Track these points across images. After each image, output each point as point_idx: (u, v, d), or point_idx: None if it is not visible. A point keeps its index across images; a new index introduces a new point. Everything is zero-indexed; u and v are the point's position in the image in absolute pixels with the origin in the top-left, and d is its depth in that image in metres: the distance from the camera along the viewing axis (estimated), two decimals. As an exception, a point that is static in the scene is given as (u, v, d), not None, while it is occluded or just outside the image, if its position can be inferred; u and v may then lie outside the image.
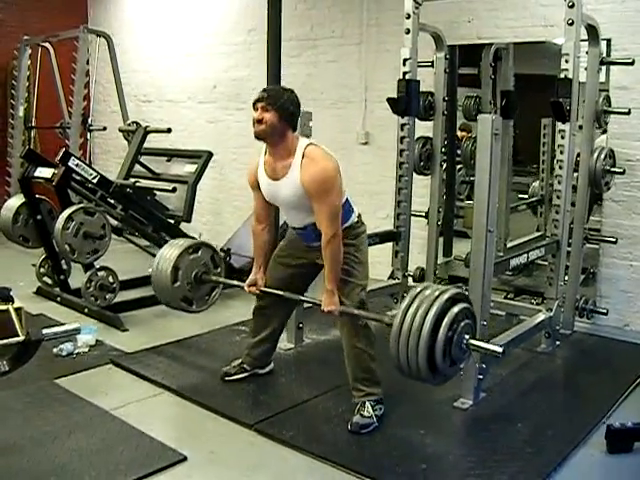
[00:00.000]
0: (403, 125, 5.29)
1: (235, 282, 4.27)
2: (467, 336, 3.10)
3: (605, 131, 5.21)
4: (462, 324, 3.08)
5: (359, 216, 3.80)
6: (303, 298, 3.90)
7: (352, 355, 3.70)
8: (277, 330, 4.21)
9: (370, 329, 3.69)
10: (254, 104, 3.53)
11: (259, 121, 3.48)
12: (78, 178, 5.46)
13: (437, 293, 3.08)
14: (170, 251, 4.25)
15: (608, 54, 5.05)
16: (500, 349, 3.19)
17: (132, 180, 6.19)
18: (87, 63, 8.18)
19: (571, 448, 3.40)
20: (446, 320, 3.01)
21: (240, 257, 6.11)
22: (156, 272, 4.25)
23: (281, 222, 5.03)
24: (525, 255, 4.47)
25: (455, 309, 3.05)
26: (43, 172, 5.56)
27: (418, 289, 3.16)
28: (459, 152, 6.47)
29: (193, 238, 5.95)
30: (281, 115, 3.47)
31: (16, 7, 8.77)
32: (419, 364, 3.00)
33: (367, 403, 3.64)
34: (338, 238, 3.49)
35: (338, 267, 3.54)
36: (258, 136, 3.54)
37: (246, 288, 3.99)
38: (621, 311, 5.30)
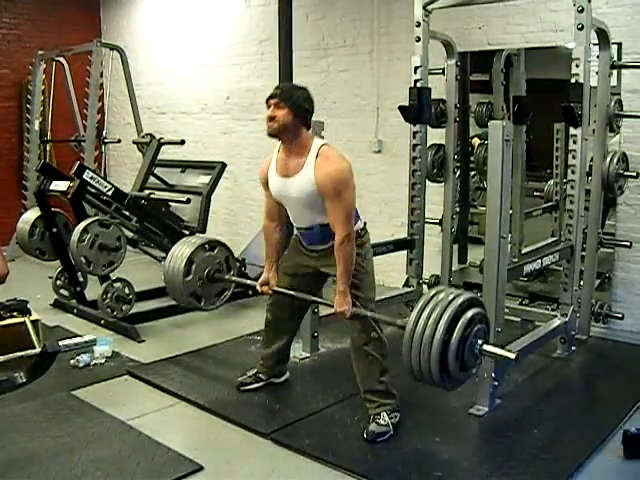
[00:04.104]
0: (415, 133, 5.30)
1: (248, 281, 4.25)
2: (480, 341, 3.06)
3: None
4: (476, 328, 3.03)
5: (365, 224, 3.74)
6: (315, 299, 3.87)
7: (365, 365, 3.66)
8: (288, 341, 4.20)
9: (382, 341, 3.67)
10: (267, 101, 3.51)
11: (271, 118, 3.46)
12: (93, 191, 5.50)
13: (451, 297, 3.04)
14: (185, 247, 4.22)
15: (619, 58, 5.04)
16: (514, 355, 3.13)
17: (147, 192, 6.23)
18: (101, 76, 8.25)
19: (587, 454, 3.39)
20: (460, 323, 2.97)
21: (255, 267, 6.12)
22: (170, 262, 4.22)
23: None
24: (539, 261, 4.47)
25: (469, 313, 3.02)
26: (58, 185, 5.62)
27: (432, 292, 3.12)
28: (472, 159, 6.46)
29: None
30: (295, 112, 3.45)
31: (31, 23, 8.88)
32: (431, 366, 2.95)
33: (383, 412, 3.63)
34: (351, 238, 3.46)
35: (350, 268, 3.50)
36: (270, 134, 3.51)
37: (258, 287, 3.95)
38: (637, 315, 5.26)
